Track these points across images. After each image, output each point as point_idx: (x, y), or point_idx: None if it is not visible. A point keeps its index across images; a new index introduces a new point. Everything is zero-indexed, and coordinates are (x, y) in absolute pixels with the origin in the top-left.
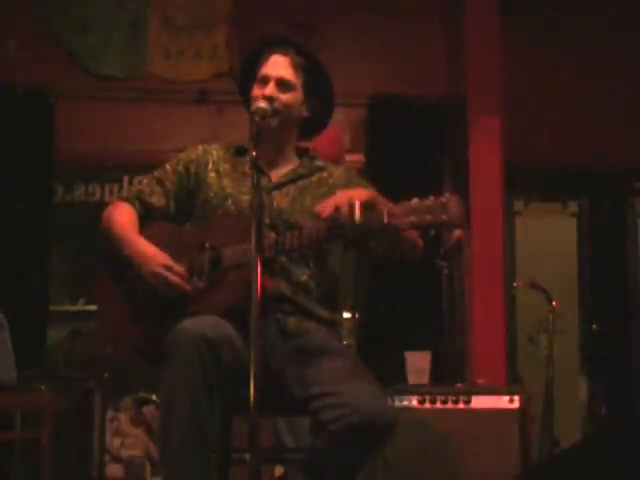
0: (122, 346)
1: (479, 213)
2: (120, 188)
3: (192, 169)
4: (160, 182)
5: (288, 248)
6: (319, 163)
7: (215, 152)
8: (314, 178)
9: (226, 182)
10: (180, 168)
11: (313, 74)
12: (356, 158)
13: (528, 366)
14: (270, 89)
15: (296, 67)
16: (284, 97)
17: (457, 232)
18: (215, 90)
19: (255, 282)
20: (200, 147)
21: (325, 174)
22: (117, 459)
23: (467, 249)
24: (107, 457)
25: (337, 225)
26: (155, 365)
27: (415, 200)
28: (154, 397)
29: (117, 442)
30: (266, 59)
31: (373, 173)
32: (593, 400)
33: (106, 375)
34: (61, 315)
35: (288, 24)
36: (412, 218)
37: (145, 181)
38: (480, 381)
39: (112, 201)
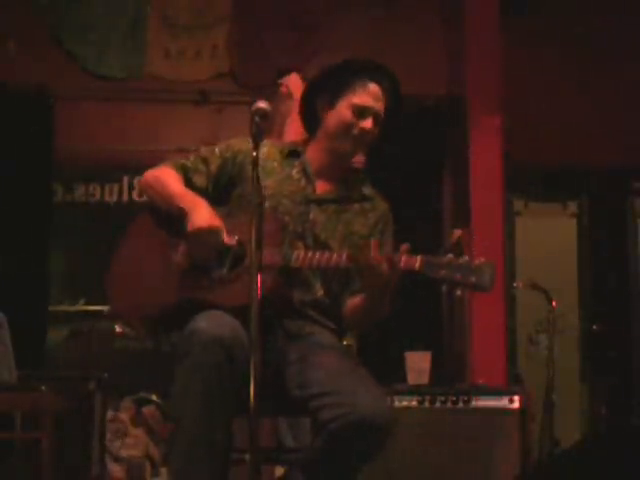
0: (129, 311)
1: (479, 213)
2: (120, 188)
3: (239, 158)
4: (205, 162)
5: (315, 266)
6: (367, 191)
7: (265, 148)
8: (357, 206)
9: (269, 182)
10: (228, 155)
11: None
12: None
13: (528, 366)
14: (370, 124)
15: (385, 100)
16: (376, 131)
17: (457, 232)
18: (215, 90)
19: (255, 282)
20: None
21: (369, 205)
22: (117, 459)
23: (467, 249)
24: (107, 457)
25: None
26: (155, 337)
27: (450, 256)
28: (154, 397)
29: (117, 442)
30: (363, 85)
31: (373, 173)
32: (593, 400)
33: (106, 375)
34: (61, 315)
35: (288, 24)
36: (443, 272)
37: (191, 157)
38: (480, 381)
39: (134, 175)
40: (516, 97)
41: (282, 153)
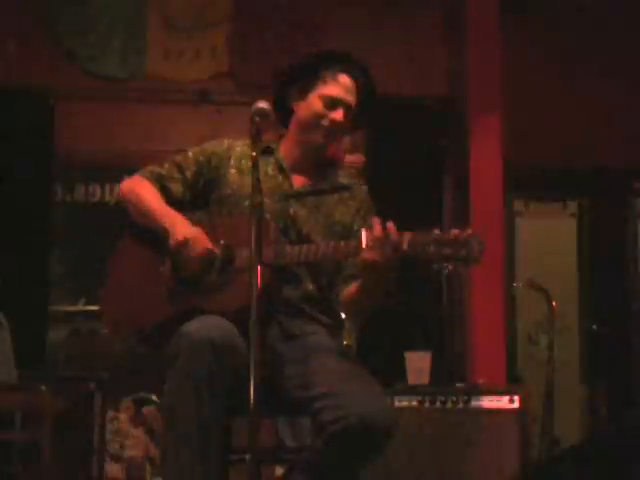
0: (124, 329)
1: (479, 213)
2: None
3: (213, 162)
4: (180, 169)
5: (303, 259)
6: (344, 181)
7: (239, 149)
8: (335, 196)
9: (246, 181)
10: (202, 158)
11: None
12: (356, 158)
13: (528, 366)
14: (341, 115)
15: (357, 91)
16: (347, 123)
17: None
18: (215, 90)
19: (255, 283)
20: (225, 141)
21: (347, 194)
22: (117, 459)
23: None
24: (107, 457)
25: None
26: (154, 352)
27: (436, 231)
28: (154, 397)
29: (117, 442)
30: (333, 76)
31: (373, 173)
32: (593, 400)
33: (106, 375)
34: (61, 315)
35: (288, 24)
36: (432, 249)
37: (166, 165)
38: (480, 381)
39: (131, 175)
40: (516, 97)
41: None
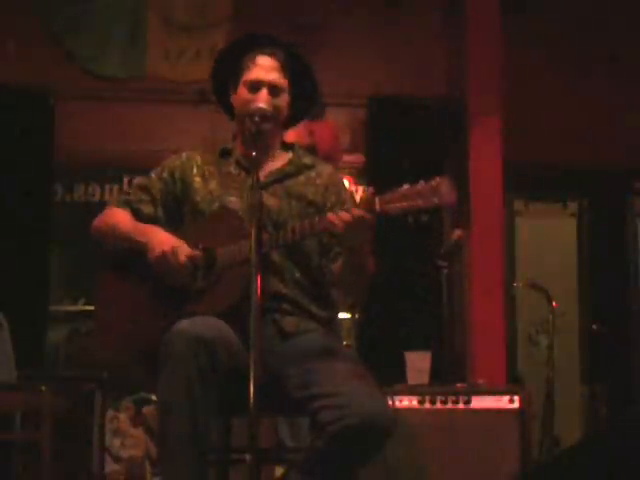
0: (123, 353)
1: (479, 213)
2: (120, 188)
3: (177, 175)
4: (146, 190)
5: (282, 243)
6: (307, 161)
7: (199, 157)
8: (302, 177)
9: (213, 185)
10: (165, 175)
11: (297, 73)
12: (356, 158)
13: (528, 366)
14: (265, 95)
15: (284, 69)
16: (275, 102)
17: (457, 232)
18: None
19: (255, 282)
20: (184, 154)
21: (313, 173)
22: (117, 459)
23: (467, 249)
24: (107, 457)
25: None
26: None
27: (405, 186)
28: (154, 397)
29: (117, 442)
30: (252, 60)
31: (373, 173)
32: (593, 400)
33: (106, 375)
34: (61, 315)
35: (288, 24)
36: (404, 204)
37: (131, 190)
38: (480, 381)
39: (101, 210)
40: (516, 97)
41: (214, 156)
